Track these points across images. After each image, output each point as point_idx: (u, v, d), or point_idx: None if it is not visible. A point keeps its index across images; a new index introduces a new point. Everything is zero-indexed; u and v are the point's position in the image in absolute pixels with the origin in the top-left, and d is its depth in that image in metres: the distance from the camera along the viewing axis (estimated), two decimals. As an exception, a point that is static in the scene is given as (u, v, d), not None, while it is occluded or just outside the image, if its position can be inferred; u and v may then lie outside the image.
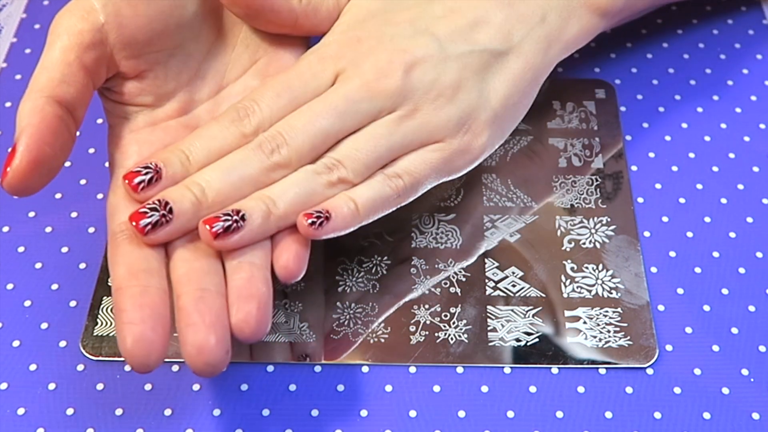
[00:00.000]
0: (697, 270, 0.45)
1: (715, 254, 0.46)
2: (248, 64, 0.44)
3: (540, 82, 0.45)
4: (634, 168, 0.49)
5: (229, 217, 0.37)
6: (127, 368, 0.42)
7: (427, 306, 0.44)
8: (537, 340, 0.43)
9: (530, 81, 0.44)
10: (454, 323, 0.43)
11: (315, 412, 0.41)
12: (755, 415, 0.41)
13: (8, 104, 0.52)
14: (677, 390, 0.42)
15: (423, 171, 0.41)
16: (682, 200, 0.48)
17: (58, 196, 0.48)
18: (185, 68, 0.42)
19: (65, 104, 0.37)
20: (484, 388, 0.42)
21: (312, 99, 0.41)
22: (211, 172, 0.39)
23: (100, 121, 0.51)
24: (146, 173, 0.38)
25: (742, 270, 0.45)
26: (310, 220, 0.38)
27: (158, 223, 0.37)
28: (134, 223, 0.37)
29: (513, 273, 0.45)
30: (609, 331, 0.43)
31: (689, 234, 0.47)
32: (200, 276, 0.38)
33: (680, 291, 0.45)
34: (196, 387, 0.42)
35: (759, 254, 0.46)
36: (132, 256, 0.37)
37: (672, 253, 0.46)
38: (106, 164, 0.49)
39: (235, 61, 0.44)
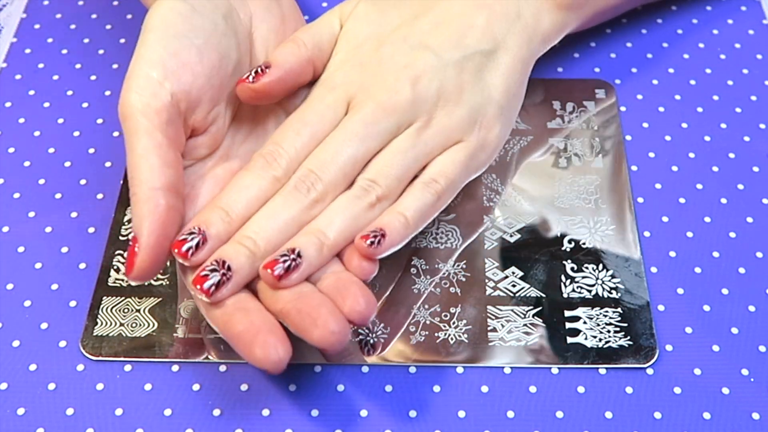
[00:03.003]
0: (697, 270, 0.45)
1: (715, 254, 0.46)
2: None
3: (528, 73, 0.47)
4: (634, 168, 0.49)
5: (287, 257, 0.39)
6: (128, 368, 0.42)
7: (427, 306, 0.44)
8: (537, 340, 0.43)
9: (521, 72, 0.46)
10: (454, 323, 0.43)
11: (315, 412, 0.41)
12: (755, 415, 0.41)
13: (8, 104, 0.52)
14: (677, 390, 0.42)
15: (455, 170, 0.43)
16: (682, 200, 0.48)
17: (58, 196, 0.48)
18: (230, 114, 0.43)
19: (173, 188, 0.39)
20: (484, 388, 0.42)
21: (330, 129, 0.42)
22: (257, 223, 0.40)
23: (100, 121, 0.51)
24: (192, 239, 0.39)
25: (742, 270, 0.45)
26: (368, 241, 0.40)
27: (220, 283, 0.39)
28: (198, 287, 0.39)
29: (513, 273, 0.45)
30: (609, 331, 0.43)
31: (689, 234, 0.46)
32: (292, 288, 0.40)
33: (680, 291, 0.45)
34: (196, 387, 0.42)
35: (759, 254, 0.46)
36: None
37: (672, 253, 0.46)
38: (107, 164, 0.49)
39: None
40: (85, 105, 0.52)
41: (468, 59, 0.44)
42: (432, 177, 0.43)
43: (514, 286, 0.45)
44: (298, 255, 0.39)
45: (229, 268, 0.39)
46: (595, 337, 0.43)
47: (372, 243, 0.40)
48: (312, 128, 0.42)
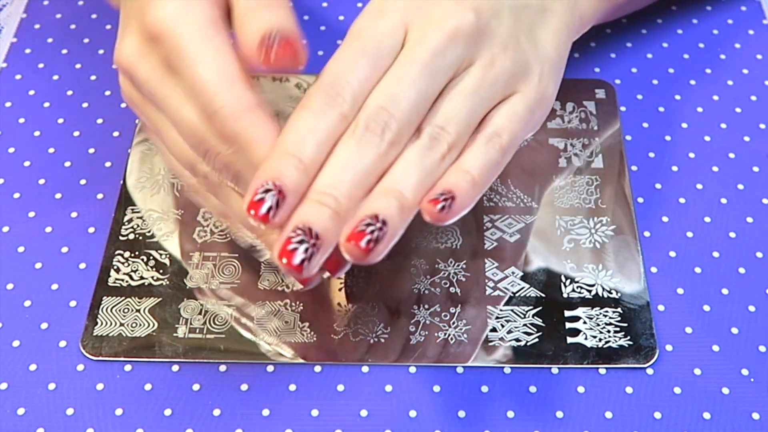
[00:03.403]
0: (697, 270, 0.45)
1: (715, 254, 0.46)
2: None
3: (570, 42, 0.45)
4: (634, 168, 0.49)
5: (373, 227, 0.36)
6: (128, 368, 0.42)
7: (427, 306, 0.44)
8: (537, 340, 0.43)
9: (567, 35, 0.44)
10: (454, 323, 0.43)
11: (315, 412, 0.41)
12: (755, 415, 0.41)
13: (8, 104, 0.52)
14: (677, 390, 0.42)
15: (516, 125, 0.40)
16: (682, 200, 0.48)
17: (58, 196, 0.48)
18: None
19: None
20: (484, 388, 0.42)
21: (389, 61, 0.39)
22: (334, 175, 0.37)
23: (100, 121, 0.51)
24: (270, 197, 0.36)
25: (742, 270, 0.45)
26: (439, 206, 0.37)
27: (311, 254, 0.36)
28: (287, 262, 0.35)
29: (513, 273, 0.45)
30: (609, 331, 0.43)
31: (689, 234, 0.47)
32: None
33: (680, 291, 0.45)
34: (196, 387, 0.42)
35: (759, 254, 0.46)
36: None
37: (672, 253, 0.46)
38: (107, 164, 0.49)
39: None
40: (85, 105, 0.52)
41: (521, 10, 0.42)
42: (495, 131, 0.40)
43: (514, 286, 0.45)
44: (383, 223, 0.36)
45: (317, 236, 0.36)
46: (595, 337, 0.43)
47: (443, 207, 0.37)
48: (372, 58, 0.38)
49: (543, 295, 0.44)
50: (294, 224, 0.36)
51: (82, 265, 0.45)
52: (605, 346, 0.43)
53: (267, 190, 0.36)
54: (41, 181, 0.48)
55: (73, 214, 0.47)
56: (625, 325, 0.43)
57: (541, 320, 0.43)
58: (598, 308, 0.44)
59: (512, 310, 0.44)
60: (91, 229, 0.47)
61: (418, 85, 0.38)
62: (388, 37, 0.39)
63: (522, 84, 0.41)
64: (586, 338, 0.43)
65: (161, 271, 0.45)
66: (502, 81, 0.40)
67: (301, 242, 0.35)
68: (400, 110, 0.38)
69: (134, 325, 0.43)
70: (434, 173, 0.38)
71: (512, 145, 0.40)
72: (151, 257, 0.45)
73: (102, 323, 0.43)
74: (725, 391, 0.42)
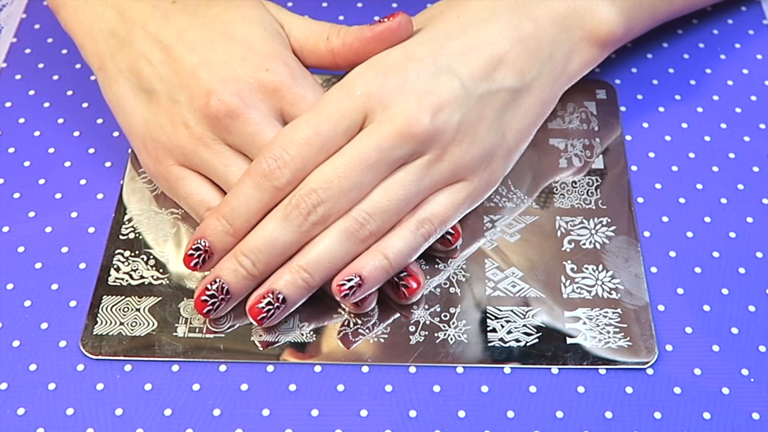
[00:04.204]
0: (697, 270, 0.45)
1: (715, 254, 0.46)
2: None
3: (547, 114, 0.46)
4: (634, 168, 0.49)
5: (271, 305, 0.41)
6: (128, 368, 0.42)
7: (427, 306, 0.44)
8: (537, 340, 0.43)
9: (539, 114, 0.46)
10: (454, 323, 0.43)
11: (315, 412, 0.41)
12: (755, 415, 0.41)
13: (8, 104, 0.52)
14: (677, 390, 0.42)
15: (450, 212, 0.43)
16: (682, 200, 0.48)
17: (58, 196, 0.48)
18: None
19: None
20: (484, 388, 0.42)
21: (342, 141, 0.42)
22: (256, 244, 0.41)
23: (100, 121, 0.51)
24: (198, 255, 0.42)
25: (742, 270, 0.45)
26: (343, 294, 0.41)
27: (218, 306, 0.42)
28: (198, 310, 0.42)
29: (513, 273, 0.45)
30: (609, 332, 0.43)
31: (689, 234, 0.47)
32: None
33: (680, 291, 0.45)
34: (196, 387, 0.42)
35: (759, 254, 0.46)
36: None
37: (672, 253, 0.46)
38: (107, 164, 0.49)
39: None
40: (85, 105, 0.52)
41: (493, 94, 0.43)
42: (426, 217, 0.42)
43: (514, 286, 0.45)
44: (282, 301, 0.41)
45: (227, 292, 0.42)
46: (594, 337, 0.43)
47: (346, 295, 0.41)
48: (323, 138, 0.41)
49: (543, 295, 0.44)
50: (212, 276, 0.42)
51: (82, 265, 0.45)
52: (605, 346, 0.43)
53: (197, 248, 0.42)
54: (41, 181, 0.48)
55: (73, 214, 0.47)
56: (625, 325, 0.43)
57: (541, 320, 0.43)
58: (598, 309, 0.44)
59: (512, 310, 0.44)
60: (91, 229, 0.47)
61: (354, 177, 0.41)
62: (346, 120, 0.42)
63: (470, 173, 0.43)
64: (585, 339, 0.43)
65: (161, 270, 0.45)
66: (448, 173, 0.43)
67: (212, 297, 0.42)
68: (332, 197, 0.41)
69: (134, 324, 0.43)
70: (350, 255, 0.42)
71: (440, 231, 0.43)
72: (152, 256, 0.45)
73: (102, 322, 0.43)
74: (725, 391, 0.42)
